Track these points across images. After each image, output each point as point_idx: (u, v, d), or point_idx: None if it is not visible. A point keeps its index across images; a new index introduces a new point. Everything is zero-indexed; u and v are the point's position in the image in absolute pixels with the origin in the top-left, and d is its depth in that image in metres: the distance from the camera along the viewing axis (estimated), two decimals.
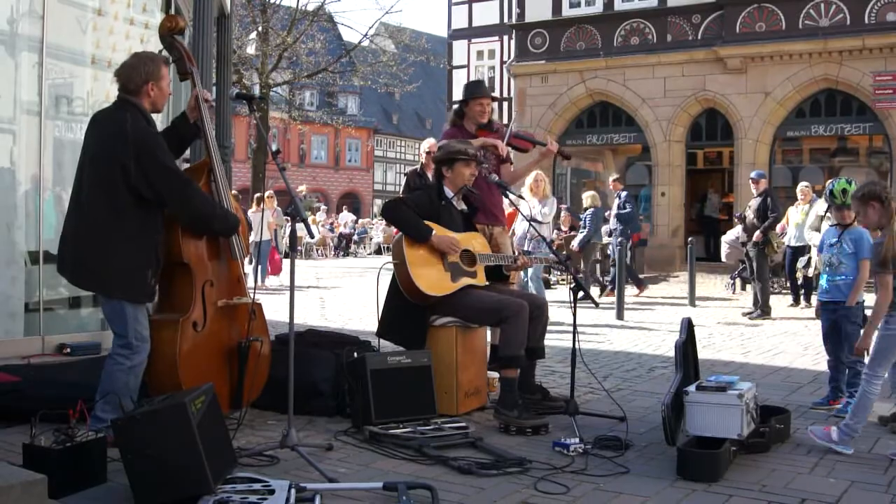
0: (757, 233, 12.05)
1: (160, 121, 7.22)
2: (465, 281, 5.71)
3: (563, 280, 17.15)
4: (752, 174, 12.99)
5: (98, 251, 4.57)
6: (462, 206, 6.05)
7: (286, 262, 17.35)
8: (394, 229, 6.46)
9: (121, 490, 3.93)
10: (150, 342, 4.72)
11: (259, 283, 15.82)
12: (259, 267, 16.08)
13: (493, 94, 6.65)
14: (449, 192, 5.92)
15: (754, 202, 12.35)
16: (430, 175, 9.07)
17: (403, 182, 10.55)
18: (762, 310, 12.21)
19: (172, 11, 7.40)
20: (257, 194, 19.54)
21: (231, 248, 5.15)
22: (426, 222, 5.68)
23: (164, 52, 5.09)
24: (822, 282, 6.29)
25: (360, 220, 41.08)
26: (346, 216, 38.85)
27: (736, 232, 13.38)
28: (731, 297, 15.62)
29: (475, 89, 6.65)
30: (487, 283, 5.88)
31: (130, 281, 4.61)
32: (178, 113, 5.16)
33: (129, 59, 4.87)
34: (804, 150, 20.70)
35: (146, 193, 4.56)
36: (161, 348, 4.78)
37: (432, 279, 5.61)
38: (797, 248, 13.02)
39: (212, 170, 5.13)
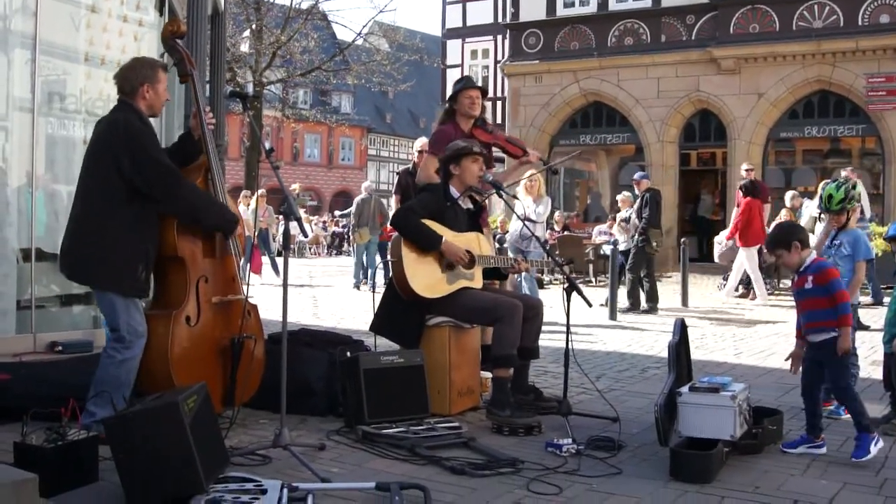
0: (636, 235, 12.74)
1: (160, 128, 7.22)
2: (462, 283, 5.70)
3: (556, 280, 17.14)
4: (635, 175, 13.62)
5: (90, 244, 4.67)
6: (468, 206, 6.05)
7: (265, 261, 17.37)
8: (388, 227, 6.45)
9: (113, 489, 3.92)
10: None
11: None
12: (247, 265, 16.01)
13: (482, 87, 6.59)
14: (455, 192, 5.91)
15: (637, 203, 12.93)
16: None
17: (395, 181, 10.55)
18: (632, 304, 12.71)
19: (167, 9, 7.38)
20: (243, 191, 19.43)
21: (227, 246, 5.15)
22: (433, 225, 5.66)
23: (165, 54, 5.14)
24: None
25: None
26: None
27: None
28: (725, 300, 15.63)
29: (464, 81, 6.63)
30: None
31: (120, 274, 4.66)
32: (173, 116, 5.18)
33: (129, 61, 4.99)
34: (797, 152, 20.78)
35: (140, 186, 4.63)
36: (153, 342, 4.78)
37: (428, 280, 5.61)
38: (625, 252, 13.50)
39: (209, 169, 5.14)
